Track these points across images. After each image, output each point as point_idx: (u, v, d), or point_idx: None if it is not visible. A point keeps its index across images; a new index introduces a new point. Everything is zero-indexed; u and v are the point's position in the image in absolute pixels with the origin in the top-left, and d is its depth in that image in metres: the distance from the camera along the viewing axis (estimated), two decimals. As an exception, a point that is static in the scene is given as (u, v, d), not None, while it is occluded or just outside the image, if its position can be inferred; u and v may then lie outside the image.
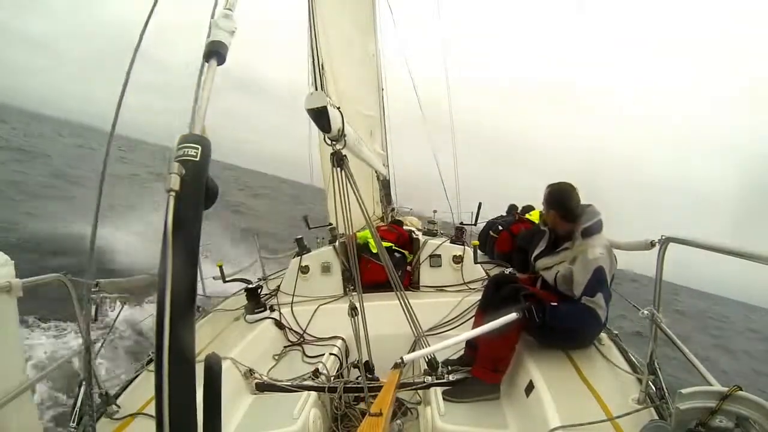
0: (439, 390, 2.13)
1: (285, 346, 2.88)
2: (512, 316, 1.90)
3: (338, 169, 1.88)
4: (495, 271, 3.80)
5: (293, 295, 3.35)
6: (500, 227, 5.06)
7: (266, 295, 3.44)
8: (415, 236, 3.95)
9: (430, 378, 2.22)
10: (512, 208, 6.28)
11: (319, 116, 1.62)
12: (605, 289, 2.00)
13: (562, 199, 2.20)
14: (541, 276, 2.34)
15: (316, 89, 2.24)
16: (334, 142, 1.81)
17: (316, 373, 2.38)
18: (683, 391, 1.30)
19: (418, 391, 2.31)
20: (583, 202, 2.23)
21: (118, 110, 0.82)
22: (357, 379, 2.39)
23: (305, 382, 2.28)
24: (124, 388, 1.97)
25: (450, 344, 1.97)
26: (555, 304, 2.02)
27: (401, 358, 1.71)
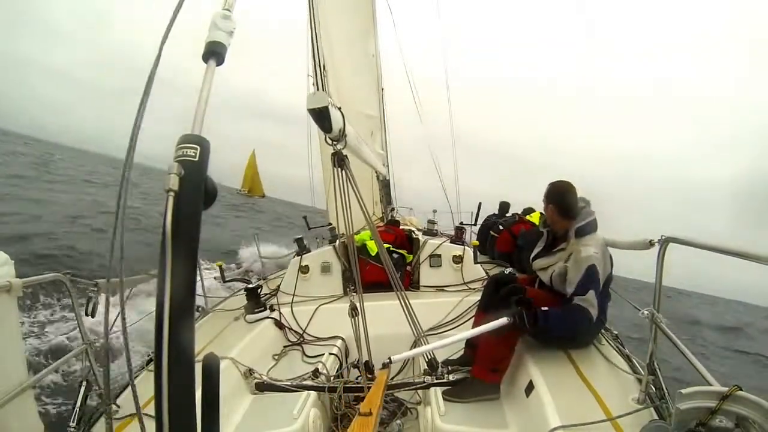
0: (439, 390, 2.13)
1: (285, 346, 2.88)
2: (503, 320, 1.94)
3: (339, 169, 1.88)
4: (495, 270, 3.80)
5: (293, 295, 3.35)
6: (501, 227, 5.06)
7: (266, 295, 3.44)
8: (415, 236, 3.95)
9: (430, 378, 2.21)
10: (504, 206, 6.27)
11: (321, 116, 1.62)
12: (597, 287, 2.00)
13: (561, 193, 2.22)
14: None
15: (318, 89, 2.24)
16: (335, 142, 1.81)
17: (315, 373, 2.38)
18: (683, 391, 1.30)
19: (418, 391, 2.31)
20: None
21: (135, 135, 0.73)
22: (357, 379, 2.40)
23: (305, 382, 2.28)
24: (124, 388, 1.97)
25: (445, 344, 2.00)
26: (546, 309, 2.00)
27: (389, 358, 1.76)
